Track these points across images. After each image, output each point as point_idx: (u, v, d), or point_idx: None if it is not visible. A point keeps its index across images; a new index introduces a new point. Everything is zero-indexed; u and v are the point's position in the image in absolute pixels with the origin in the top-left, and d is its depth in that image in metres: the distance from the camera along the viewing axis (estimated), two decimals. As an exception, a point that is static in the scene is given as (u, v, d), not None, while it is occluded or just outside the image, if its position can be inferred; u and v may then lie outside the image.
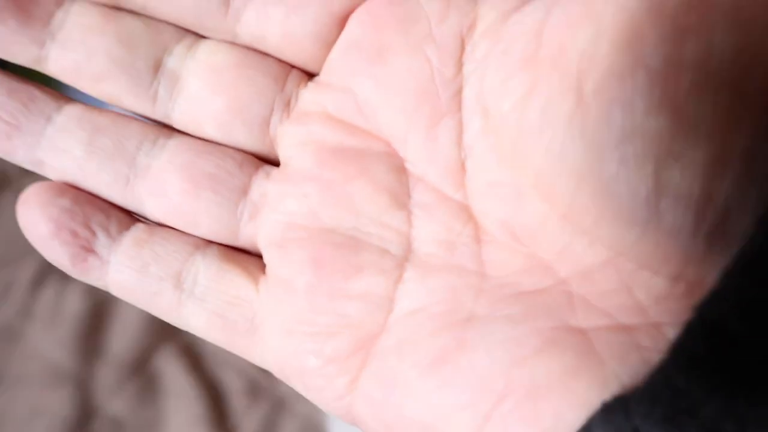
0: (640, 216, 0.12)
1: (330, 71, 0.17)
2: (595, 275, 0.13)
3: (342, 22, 0.16)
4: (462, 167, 0.15)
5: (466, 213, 0.15)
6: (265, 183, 0.16)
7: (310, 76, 0.17)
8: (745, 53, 0.11)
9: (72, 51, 0.16)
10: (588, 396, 0.12)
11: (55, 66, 0.17)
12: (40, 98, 0.17)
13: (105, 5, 0.17)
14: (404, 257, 0.15)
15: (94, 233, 0.16)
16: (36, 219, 0.16)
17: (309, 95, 0.17)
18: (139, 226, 0.17)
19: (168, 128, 0.17)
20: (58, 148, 0.16)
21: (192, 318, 0.16)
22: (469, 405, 0.13)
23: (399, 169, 0.16)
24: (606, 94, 0.12)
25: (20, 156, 0.17)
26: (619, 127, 0.12)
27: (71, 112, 0.17)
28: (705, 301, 0.11)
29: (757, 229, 0.11)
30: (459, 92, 0.16)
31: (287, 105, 0.17)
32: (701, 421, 0.10)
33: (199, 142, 0.17)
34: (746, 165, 0.11)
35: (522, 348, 0.13)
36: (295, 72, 0.17)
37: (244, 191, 0.16)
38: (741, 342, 0.10)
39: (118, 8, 0.17)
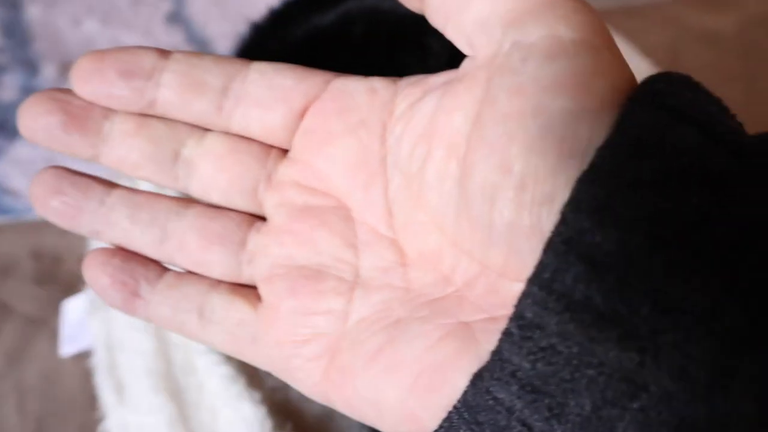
0: (496, 241, 0.17)
1: (295, 151, 0.22)
2: (474, 283, 0.19)
3: (301, 115, 0.22)
4: (390, 213, 0.21)
5: (395, 245, 0.21)
6: (256, 236, 0.22)
7: (285, 151, 0.23)
8: (546, 140, 0.16)
9: (116, 149, 0.22)
10: (470, 368, 0.17)
11: (105, 160, 0.22)
12: (95, 186, 0.22)
13: (137, 114, 0.22)
14: (354, 281, 0.21)
15: (138, 282, 0.22)
16: (98, 275, 0.22)
17: (283, 169, 0.22)
18: (170, 273, 0.22)
19: (187, 200, 0.23)
20: (110, 223, 0.22)
21: (212, 337, 0.22)
22: (397, 382, 0.18)
23: (347, 218, 0.21)
24: (468, 160, 0.18)
25: (83, 229, 0.22)
26: (477, 182, 0.17)
27: (117, 194, 0.22)
28: (518, 300, 0.16)
29: (544, 250, 0.16)
30: (384, 160, 0.21)
31: (269, 177, 0.22)
32: (518, 380, 0.16)
33: (209, 207, 0.22)
34: (551, 204, 0.16)
35: (429, 339, 0.18)
36: (274, 151, 0.22)
37: (243, 243, 0.22)
38: (535, 325, 0.16)
39: (147, 115, 0.22)
